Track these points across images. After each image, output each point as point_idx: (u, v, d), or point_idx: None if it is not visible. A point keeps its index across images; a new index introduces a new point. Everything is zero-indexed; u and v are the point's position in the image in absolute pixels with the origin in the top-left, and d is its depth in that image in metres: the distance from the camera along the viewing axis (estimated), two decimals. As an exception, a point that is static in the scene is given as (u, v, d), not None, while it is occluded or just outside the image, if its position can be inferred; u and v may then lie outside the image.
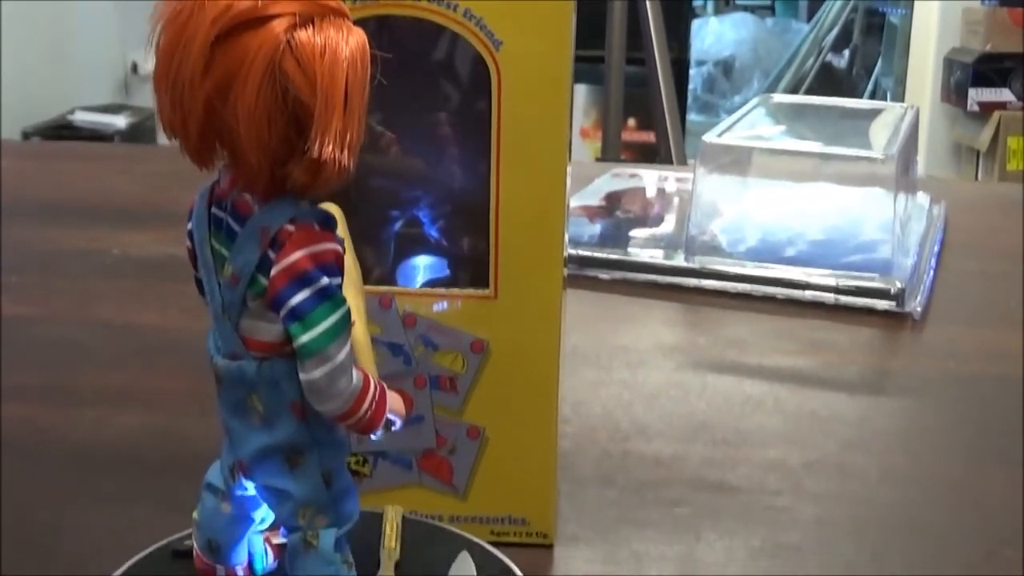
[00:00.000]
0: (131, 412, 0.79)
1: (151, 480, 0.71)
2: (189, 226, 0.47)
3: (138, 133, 4.23)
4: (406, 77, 0.45)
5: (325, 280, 0.43)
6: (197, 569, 0.52)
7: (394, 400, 0.47)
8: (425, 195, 0.63)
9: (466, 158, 0.62)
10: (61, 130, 4.10)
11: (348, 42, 0.41)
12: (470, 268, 0.62)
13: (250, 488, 0.49)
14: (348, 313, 0.44)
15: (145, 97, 4.55)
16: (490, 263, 0.60)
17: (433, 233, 0.64)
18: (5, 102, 3.72)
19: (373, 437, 0.47)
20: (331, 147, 0.41)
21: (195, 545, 0.52)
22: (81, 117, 4.19)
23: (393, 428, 0.48)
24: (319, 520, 0.47)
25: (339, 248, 0.44)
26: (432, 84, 0.62)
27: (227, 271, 0.44)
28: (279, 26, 0.40)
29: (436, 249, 0.63)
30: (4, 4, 3.72)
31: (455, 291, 0.61)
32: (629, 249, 1.11)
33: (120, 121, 4.24)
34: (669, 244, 1.13)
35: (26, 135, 3.89)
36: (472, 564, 0.56)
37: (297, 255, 0.43)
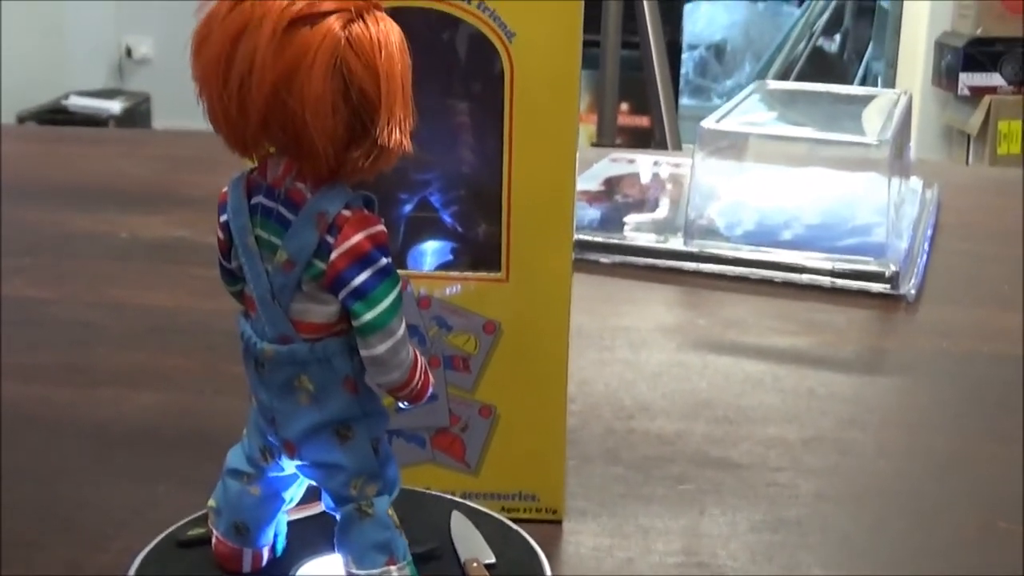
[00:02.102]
0: (147, 391, 0.81)
1: (168, 457, 0.72)
2: (223, 218, 0.49)
3: (133, 117, 4.24)
4: (419, 65, 0.47)
5: (384, 260, 0.46)
6: (218, 554, 0.54)
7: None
8: (436, 179, 0.65)
9: (477, 145, 0.64)
10: (56, 114, 4.11)
11: (393, 34, 0.45)
12: (480, 252, 0.64)
13: (289, 468, 0.50)
14: (400, 288, 0.47)
15: (139, 82, 4.56)
16: (502, 247, 0.62)
17: (445, 217, 0.66)
18: (1, 88, 3.73)
19: (402, 407, 0.49)
20: (397, 133, 0.45)
21: (216, 531, 0.53)
22: (76, 101, 4.20)
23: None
24: (369, 488, 0.49)
25: (385, 229, 0.46)
26: (445, 72, 0.64)
27: (280, 257, 0.46)
28: (336, 22, 0.43)
29: (447, 233, 0.65)
30: (-1, -11, 3.73)
31: (468, 274, 0.62)
32: (626, 233, 1.13)
33: (115, 106, 4.25)
34: (667, 228, 1.15)
35: (21, 119, 3.90)
36: (468, 522, 0.58)
37: (357, 238, 0.46)
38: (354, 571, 0.50)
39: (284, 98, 0.43)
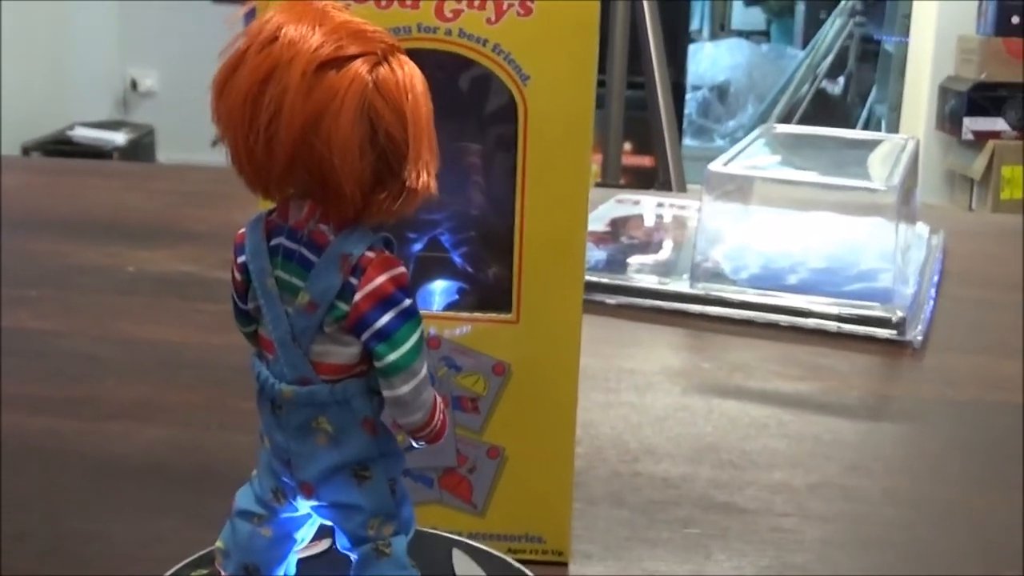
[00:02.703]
0: (154, 425, 0.81)
1: (175, 491, 0.72)
2: (241, 259, 0.49)
3: (137, 149, 4.25)
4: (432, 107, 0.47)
5: (407, 301, 0.46)
6: None
7: None
8: (446, 219, 0.65)
9: (488, 187, 0.64)
10: (60, 145, 4.12)
11: (417, 77, 0.45)
12: (490, 294, 0.64)
13: (303, 508, 0.50)
14: (423, 330, 0.47)
15: (144, 114, 4.58)
16: (513, 288, 0.62)
17: (456, 258, 0.66)
18: (5, 118, 3.74)
19: (415, 445, 0.50)
20: (424, 175, 0.45)
21: (224, 573, 0.53)
22: (80, 133, 4.21)
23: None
24: (386, 528, 0.49)
25: (406, 270, 0.47)
26: (456, 114, 0.64)
27: (302, 299, 0.46)
28: (363, 66, 0.44)
29: (456, 274, 0.65)
30: (4, 20, 3.74)
31: (479, 315, 0.63)
32: (630, 274, 1.13)
33: (119, 137, 4.26)
34: (670, 270, 1.15)
35: (25, 150, 3.90)
36: (470, 560, 0.58)
37: (380, 280, 0.46)
38: None
39: (312, 141, 0.43)
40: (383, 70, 0.44)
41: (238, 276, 0.49)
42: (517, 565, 0.60)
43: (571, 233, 0.61)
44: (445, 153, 0.47)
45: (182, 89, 4.50)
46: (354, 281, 0.46)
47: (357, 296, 0.46)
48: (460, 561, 0.59)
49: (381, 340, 0.46)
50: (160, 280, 1.14)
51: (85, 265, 1.17)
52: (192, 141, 4.21)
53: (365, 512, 0.49)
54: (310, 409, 0.48)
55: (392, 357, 0.46)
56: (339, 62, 0.43)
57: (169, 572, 0.57)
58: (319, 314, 0.46)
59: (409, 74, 0.45)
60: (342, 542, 0.50)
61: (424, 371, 0.47)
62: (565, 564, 0.66)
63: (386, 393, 0.47)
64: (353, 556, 0.50)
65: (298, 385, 0.47)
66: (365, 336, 0.46)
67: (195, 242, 1.25)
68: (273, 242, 0.47)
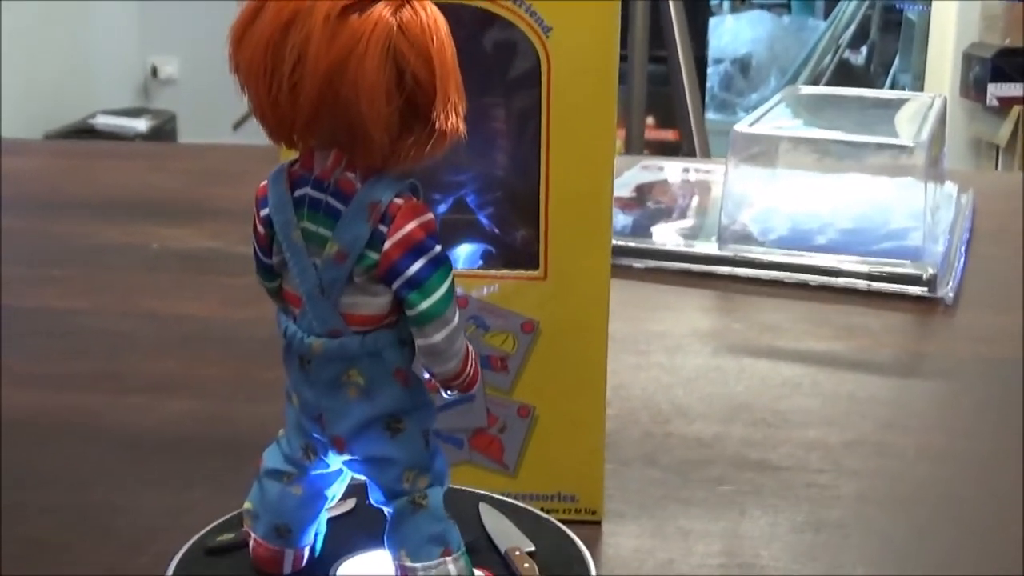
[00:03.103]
0: (179, 398, 0.81)
1: (202, 463, 0.72)
2: (263, 212, 0.48)
3: (159, 136, 4.24)
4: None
5: (437, 248, 0.46)
6: (258, 558, 0.53)
7: None
8: (471, 180, 0.65)
9: (513, 147, 0.63)
10: (82, 134, 4.12)
11: (438, 19, 0.44)
12: (516, 255, 0.63)
13: (335, 464, 0.50)
14: (453, 277, 0.46)
15: (165, 101, 4.58)
16: (540, 245, 0.61)
17: (482, 219, 0.65)
18: (27, 106, 3.75)
19: (447, 396, 0.49)
20: (453, 117, 0.44)
21: (254, 535, 0.52)
22: (102, 121, 4.21)
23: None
24: (421, 481, 0.49)
25: (434, 217, 0.46)
26: (480, 74, 0.63)
27: (331, 249, 0.46)
28: (386, 9, 0.43)
29: (483, 235, 0.65)
30: (25, 9, 3.74)
31: (507, 273, 0.62)
32: (656, 239, 1.13)
33: (141, 124, 4.26)
34: (696, 234, 1.14)
35: (48, 138, 3.91)
36: (499, 513, 0.58)
37: (410, 226, 0.45)
38: (409, 564, 0.49)
39: (337, 87, 0.42)
40: (406, 13, 0.43)
41: (261, 230, 0.48)
42: (544, 516, 0.59)
43: (598, 187, 0.61)
44: (469, 114, 0.46)
45: (203, 75, 4.50)
46: (383, 229, 0.45)
47: (387, 244, 0.45)
48: (488, 515, 0.58)
49: (413, 288, 0.45)
50: (184, 256, 1.14)
51: (110, 244, 1.17)
52: (214, 127, 4.21)
53: (399, 465, 0.48)
54: (340, 362, 0.47)
55: (424, 305, 0.46)
56: (362, 5, 0.43)
57: (195, 536, 0.56)
58: (348, 264, 0.45)
59: (432, 16, 0.44)
60: (376, 497, 0.50)
61: (456, 319, 0.47)
62: (599, 523, 0.65)
63: (419, 342, 0.47)
64: (388, 510, 0.49)
65: (328, 338, 0.47)
66: (396, 285, 0.46)
67: (217, 219, 1.24)
68: (297, 193, 0.47)
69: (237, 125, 4.14)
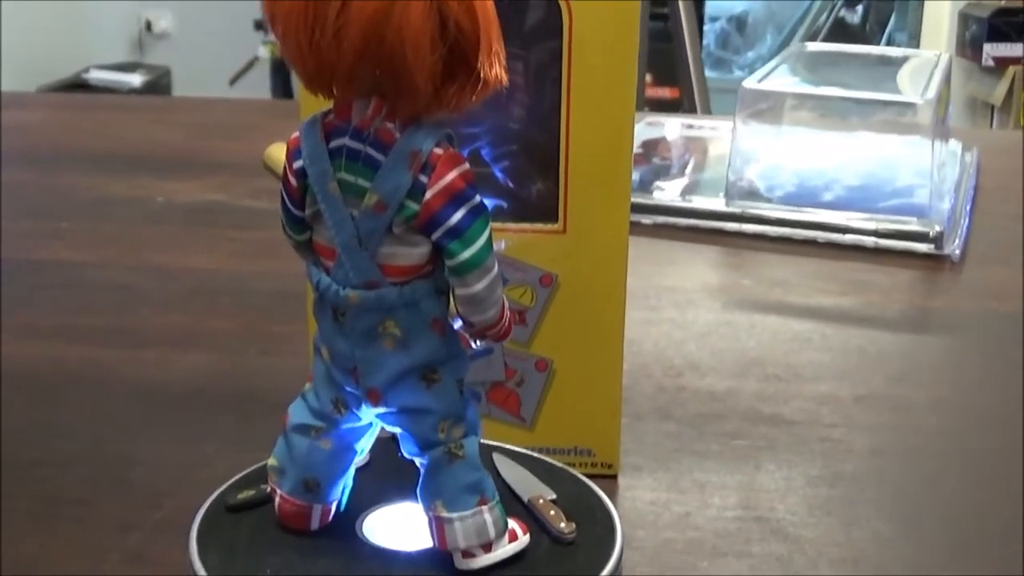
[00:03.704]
0: (191, 352, 0.81)
1: (216, 416, 0.72)
2: (297, 164, 0.47)
3: (154, 91, 4.23)
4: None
5: (477, 197, 0.45)
6: (284, 514, 0.52)
7: None
8: (486, 133, 0.64)
9: (531, 101, 0.63)
10: (76, 88, 4.10)
11: None
12: (533, 209, 0.63)
13: (367, 417, 0.50)
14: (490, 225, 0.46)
15: (159, 55, 4.56)
16: (559, 198, 0.61)
17: (497, 172, 0.65)
18: (20, 61, 3.74)
19: (476, 346, 0.50)
20: (496, 66, 0.44)
21: (280, 491, 0.52)
22: (96, 75, 4.20)
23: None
24: (456, 431, 0.49)
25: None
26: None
27: (370, 200, 0.45)
28: None
29: (498, 189, 0.65)
30: (18, -37, 3.72)
31: (525, 226, 0.62)
32: (658, 195, 1.12)
33: (135, 79, 4.24)
34: (704, 189, 1.14)
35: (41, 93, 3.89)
36: (514, 463, 0.58)
37: (451, 175, 0.45)
38: (445, 515, 0.49)
39: (383, 32, 0.42)
40: None
41: (293, 182, 0.47)
42: (559, 465, 0.59)
43: (618, 140, 0.60)
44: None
45: (197, 29, 4.49)
46: (424, 179, 0.45)
47: (428, 194, 0.45)
48: (504, 465, 0.58)
49: (454, 238, 0.45)
50: (190, 210, 1.13)
51: (114, 197, 1.17)
52: (208, 81, 4.20)
53: (435, 415, 0.48)
54: (377, 313, 0.47)
55: (466, 254, 0.46)
56: None
57: (213, 495, 0.56)
58: (388, 214, 0.45)
59: None
60: (409, 448, 0.49)
61: (496, 267, 0.47)
62: (615, 477, 0.65)
63: (460, 291, 0.47)
64: (421, 462, 0.49)
65: (364, 289, 0.47)
66: (437, 235, 0.45)
67: (221, 172, 1.24)
68: (333, 144, 0.46)
69: (234, 80, 4.13)
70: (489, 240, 0.46)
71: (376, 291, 0.46)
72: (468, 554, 0.49)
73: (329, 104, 0.47)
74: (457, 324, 0.48)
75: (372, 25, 0.42)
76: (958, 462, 0.69)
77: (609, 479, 0.65)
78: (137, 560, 0.57)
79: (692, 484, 0.65)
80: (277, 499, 0.52)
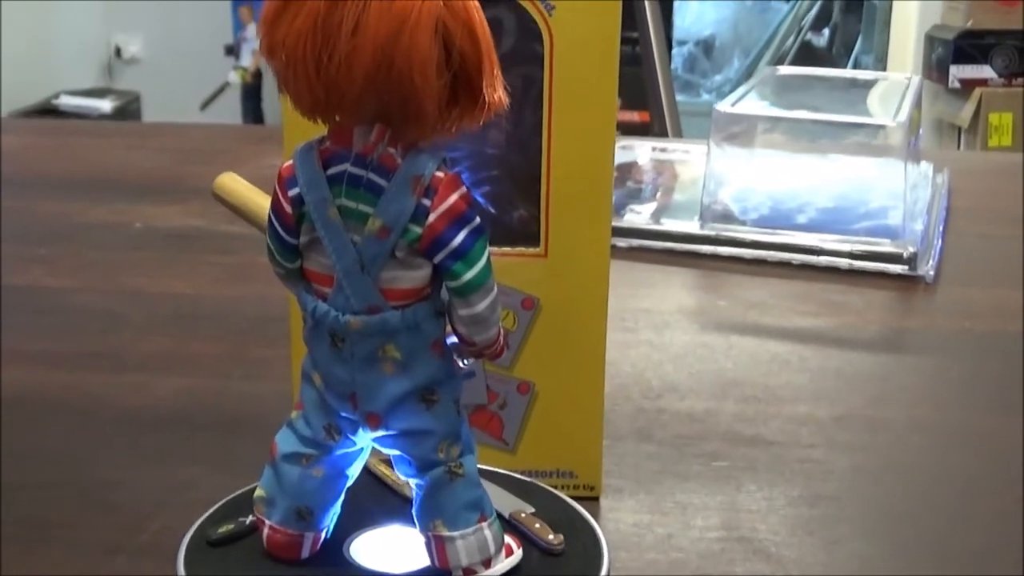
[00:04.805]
0: (173, 376, 0.81)
1: (200, 440, 0.72)
2: (292, 192, 0.47)
3: (123, 116, 4.23)
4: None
5: (477, 218, 0.46)
6: (274, 544, 0.52)
7: None
8: (465, 157, 0.65)
9: (510, 126, 0.64)
10: (45, 114, 4.10)
11: None
12: (513, 234, 0.64)
13: (362, 441, 0.50)
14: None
15: (129, 81, 4.56)
16: (541, 222, 0.62)
17: (476, 197, 0.65)
18: (-11, 85, 3.73)
19: (464, 364, 0.50)
20: (498, 89, 0.45)
21: (268, 521, 0.52)
22: (66, 101, 4.19)
23: None
24: (454, 449, 0.49)
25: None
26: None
27: (373, 225, 0.46)
28: None
29: (481, 211, 0.65)
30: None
31: (507, 249, 0.62)
32: (638, 217, 1.13)
33: (105, 105, 4.24)
34: (679, 213, 1.15)
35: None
36: (488, 481, 0.58)
37: (453, 198, 0.46)
38: (446, 533, 0.49)
39: (392, 56, 0.42)
40: None
41: (288, 209, 0.47)
42: (528, 479, 0.60)
43: (599, 164, 0.61)
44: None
45: (167, 55, 4.49)
46: (426, 202, 0.45)
47: (432, 217, 0.45)
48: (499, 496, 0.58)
49: (457, 259, 0.46)
50: (168, 235, 1.14)
51: (93, 223, 1.17)
52: (178, 106, 4.19)
53: (436, 436, 0.49)
54: (378, 338, 0.47)
55: (469, 275, 0.46)
56: None
57: (193, 528, 0.54)
58: (392, 238, 0.46)
59: None
60: (404, 470, 0.50)
61: (495, 287, 0.47)
62: (597, 499, 0.66)
63: (463, 312, 0.47)
64: (419, 482, 0.50)
65: (366, 315, 0.47)
66: (440, 256, 0.46)
67: (199, 197, 1.24)
68: (332, 170, 0.46)
69: (205, 105, 4.12)
70: (489, 260, 0.47)
71: (379, 315, 0.47)
72: (469, 571, 0.50)
73: (319, 131, 0.47)
74: (450, 340, 0.49)
75: (384, 49, 0.42)
76: (937, 480, 0.70)
77: (591, 501, 0.65)
78: (124, 583, 0.57)
79: (674, 506, 0.66)
80: (266, 530, 0.52)
